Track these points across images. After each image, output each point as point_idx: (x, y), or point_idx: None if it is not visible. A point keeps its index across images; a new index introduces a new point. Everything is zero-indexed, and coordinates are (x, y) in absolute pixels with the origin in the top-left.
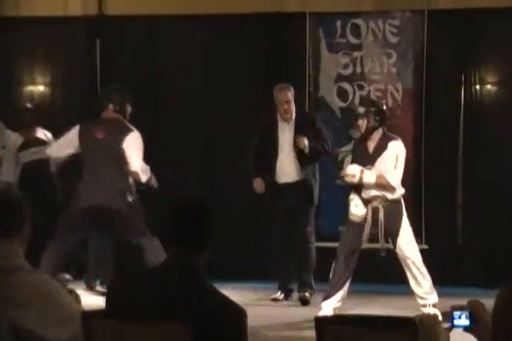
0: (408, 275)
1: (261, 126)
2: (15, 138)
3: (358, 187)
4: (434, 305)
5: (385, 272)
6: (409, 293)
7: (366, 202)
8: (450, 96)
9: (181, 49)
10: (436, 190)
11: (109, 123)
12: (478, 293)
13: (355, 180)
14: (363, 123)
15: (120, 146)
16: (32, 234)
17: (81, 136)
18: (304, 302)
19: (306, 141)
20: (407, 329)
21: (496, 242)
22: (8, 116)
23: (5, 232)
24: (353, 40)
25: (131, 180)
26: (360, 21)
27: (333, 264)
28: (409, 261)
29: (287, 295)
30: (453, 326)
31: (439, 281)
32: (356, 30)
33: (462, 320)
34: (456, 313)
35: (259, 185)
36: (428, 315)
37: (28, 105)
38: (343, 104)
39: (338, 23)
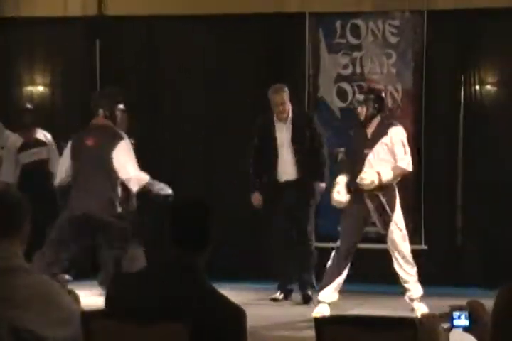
0: (395, 265)
1: (258, 126)
2: (14, 139)
3: (345, 174)
4: (419, 300)
5: (383, 272)
6: None
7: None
8: (450, 96)
9: (181, 49)
10: (436, 190)
11: (98, 130)
12: (478, 293)
13: (376, 184)
14: (362, 110)
15: (110, 155)
16: (32, 234)
17: (73, 147)
18: (307, 299)
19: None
20: (407, 329)
21: (495, 242)
22: (8, 116)
23: (4, 232)
24: (353, 41)
25: (119, 191)
26: (359, 21)
27: (333, 253)
28: (397, 252)
29: (287, 295)
30: (452, 326)
31: (438, 281)
32: (356, 31)
33: (462, 320)
34: (456, 313)
35: (256, 199)
36: (428, 315)
37: (28, 105)
38: (342, 105)
39: (338, 24)
